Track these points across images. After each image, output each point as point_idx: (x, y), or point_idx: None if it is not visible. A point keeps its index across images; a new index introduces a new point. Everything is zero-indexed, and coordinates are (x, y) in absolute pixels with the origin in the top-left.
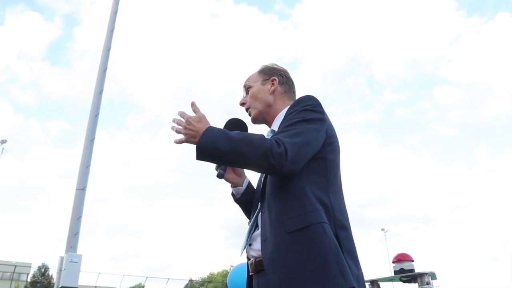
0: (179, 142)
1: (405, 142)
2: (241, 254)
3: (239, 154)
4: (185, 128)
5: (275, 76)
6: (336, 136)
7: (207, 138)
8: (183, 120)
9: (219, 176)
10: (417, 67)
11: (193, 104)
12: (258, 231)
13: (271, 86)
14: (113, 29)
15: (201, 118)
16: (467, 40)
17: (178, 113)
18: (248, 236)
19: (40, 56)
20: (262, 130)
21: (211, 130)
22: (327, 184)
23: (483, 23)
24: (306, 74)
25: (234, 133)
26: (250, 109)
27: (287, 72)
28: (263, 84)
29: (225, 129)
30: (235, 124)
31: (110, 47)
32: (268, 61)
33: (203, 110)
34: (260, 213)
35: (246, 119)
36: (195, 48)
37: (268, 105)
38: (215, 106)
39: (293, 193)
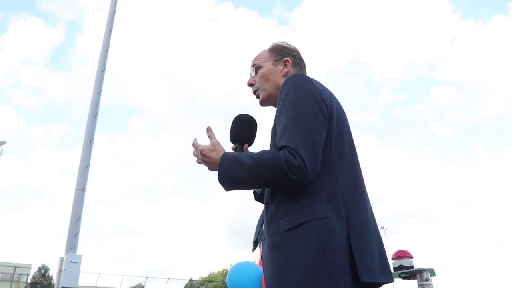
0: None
1: (403, 141)
2: (254, 249)
3: (259, 180)
4: (202, 160)
5: (288, 57)
6: (337, 104)
7: (224, 171)
8: (198, 151)
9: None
10: (414, 69)
11: (208, 130)
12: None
13: (284, 68)
14: (111, 30)
15: (214, 146)
16: (463, 42)
17: (192, 144)
18: (259, 231)
19: (43, 62)
20: (268, 112)
21: (225, 160)
22: (333, 164)
23: (479, 26)
24: None
25: (246, 158)
26: (259, 91)
27: (299, 52)
28: (274, 64)
29: (238, 155)
30: (243, 121)
31: (108, 48)
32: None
33: (203, 112)
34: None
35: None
36: (195, 51)
37: (278, 88)
38: (215, 109)
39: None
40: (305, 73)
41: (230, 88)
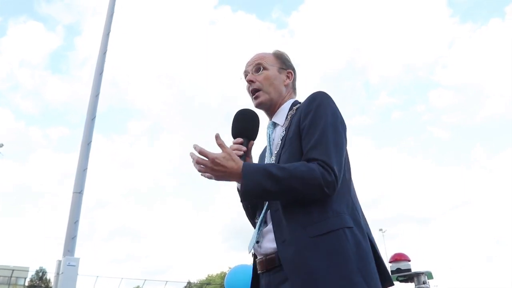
0: (208, 178)
1: (401, 144)
2: (250, 251)
3: (291, 192)
4: (213, 169)
5: (291, 70)
6: (346, 127)
7: (251, 181)
8: (206, 159)
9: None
10: (412, 72)
11: (217, 137)
12: (267, 228)
13: (287, 79)
14: (109, 33)
15: (231, 155)
16: (461, 45)
17: (196, 149)
18: (258, 233)
19: (42, 65)
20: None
21: (249, 170)
22: (347, 183)
23: (476, 29)
24: (303, 80)
25: (276, 170)
26: (260, 92)
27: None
28: (279, 71)
29: (264, 166)
30: (246, 115)
31: (106, 51)
32: (279, 49)
33: (201, 115)
34: (270, 210)
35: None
36: (194, 54)
37: (280, 95)
38: (214, 111)
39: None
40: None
41: (229, 91)
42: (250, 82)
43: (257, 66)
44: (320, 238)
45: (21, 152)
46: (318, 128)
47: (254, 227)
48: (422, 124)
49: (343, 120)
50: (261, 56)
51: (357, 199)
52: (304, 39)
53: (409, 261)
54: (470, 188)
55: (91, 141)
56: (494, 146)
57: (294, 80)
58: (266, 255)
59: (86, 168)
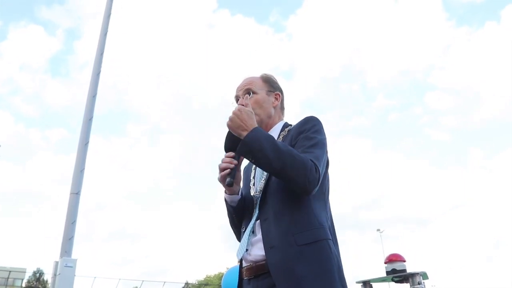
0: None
1: (398, 145)
2: (239, 259)
3: (281, 163)
4: (235, 114)
5: (279, 92)
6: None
7: (254, 137)
8: (239, 106)
9: (229, 184)
10: (409, 75)
11: (245, 97)
12: (256, 237)
13: (275, 101)
14: (106, 33)
15: (253, 115)
16: (457, 49)
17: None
18: (247, 242)
19: (42, 68)
20: None
21: (259, 130)
22: (325, 201)
23: (472, 32)
24: (301, 82)
25: (279, 143)
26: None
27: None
28: (268, 94)
29: (272, 137)
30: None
31: (103, 51)
32: (266, 70)
33: (200, 117)
34: (259, 220)
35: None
36: (193, 57)
37: (269, 117)
38: (212, 114)
39: (302, 208)
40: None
41: (227, 94)
42: (239, 103)
43: (247, 91)
44: (307, 247)
45: (20, 154)
46: (311, 141)
47: (238, 236)
48: (420, 126)
49: (325, 135)
50: (250, 81)
51: (331, 216)
52: (302, 43)
53: (404, 261)
54: (467, 190)
55: (88, 142)
56: (491, 148)
57: (282, 101)
58: (255, 262)
59: (83, 169)
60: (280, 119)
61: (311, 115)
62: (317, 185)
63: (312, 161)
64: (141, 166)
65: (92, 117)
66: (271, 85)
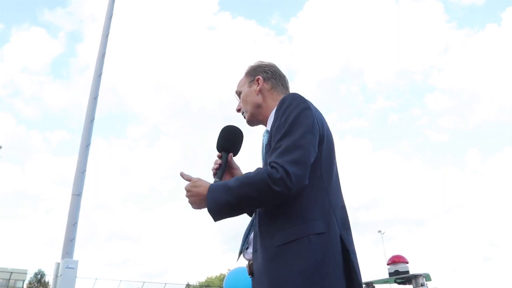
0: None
1: (397, 146)
2: (238, 258)
3: (246, 199)
4: (187, 196)
5: (259, 75)
6: (326, 127)
7: (211, 200)
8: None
9: None
10: (408, 76)
11: (182, 175)
12: (251, 236)
13: (257, 86)
14: (107, 35)
15: (197, 182)
16: (457, 50)
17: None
18: (245, 240)
19: (43, 71)
20: (259, 131)
21: (212, 188)
22: (324, 183)
23: (473, 34)
24: (301, 84)
25: (231, 181)
26: (244, 114)
27: (272, 66)
28: (249, 86)
29: (225, 182)
30: (229, 131)
31: (104, 53)
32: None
33: (200, 120)
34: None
35: (243, 125)
36: (193, 60)
37: (258, 106)
38: (211, 116)
39: (286, 204)
40: (284, 84)
41: (227, 96)
42: (238, 111)
43: (237, 95)
44: (284, 247)
45: (21, 156)
46: (280, 132)
47: None
48: (418, 127)
49: (309, 114)
50: (238, 83)
51: (339, 199)
52: (302, 45)
53: (407, 263)
54: (466, 190)
55: (89, 143)
56: (489, 149)
57: (269, 79)
58: (249, 260)
59: (85, 170)
60: (276, 100)
61: (289, 93)
62: (291, 182)
63: (271, 165)
64: (141, 167)
65: (93, 118)
66: (250, 74)
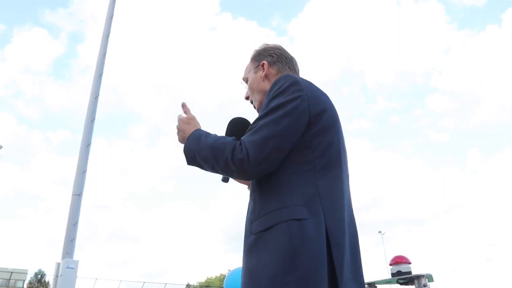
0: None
1: (398, 147)
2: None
3: (207, 161)
4: (177, 128)
5: (264, 59)
6: (327, 110)
7: (186, 145)
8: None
9: (223, 180)
10: (410, 77)
11: (183, 105)
12: None
13: (262, 72)
14: (108, 35)
15: (190, 120)
16: (458, 51)
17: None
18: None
19: (45, 72)
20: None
21: (193, 134)
22: (314, 170)
23: (473, 36)
24: None
25: (208, 136)
26: (253, 102)
27: (278, 49)
28: (255, 72)
29: (206, 133)
30: (238, 124)
31: (105, 53)
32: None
33: (201, 120)
34: None
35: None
36: (194, 60)
37: (265, 93)
38: (213, 116)
39: (269, 188)
40: (292, 67)
41: (228, 96)
42: (246, 99)
43: (244, 81)
44: (260, 234)
45: (22, 156)
46: (261, 112)
47: None
48: (420, 128)
49: (301, 103)
50: (244, 70)
51: (333, 186)
52: (303, 46)
53: (410, 263)
54: (466, 190)
55: (90, 143)
56: (489, 149)
57: (274, 63)
58: None
59: (86, 170)
60: None
61: (269, 76)
62: (248, 164)
63: (239, 142)
64: (141, 167)
65: (94, 118)
66: (255, 59)
